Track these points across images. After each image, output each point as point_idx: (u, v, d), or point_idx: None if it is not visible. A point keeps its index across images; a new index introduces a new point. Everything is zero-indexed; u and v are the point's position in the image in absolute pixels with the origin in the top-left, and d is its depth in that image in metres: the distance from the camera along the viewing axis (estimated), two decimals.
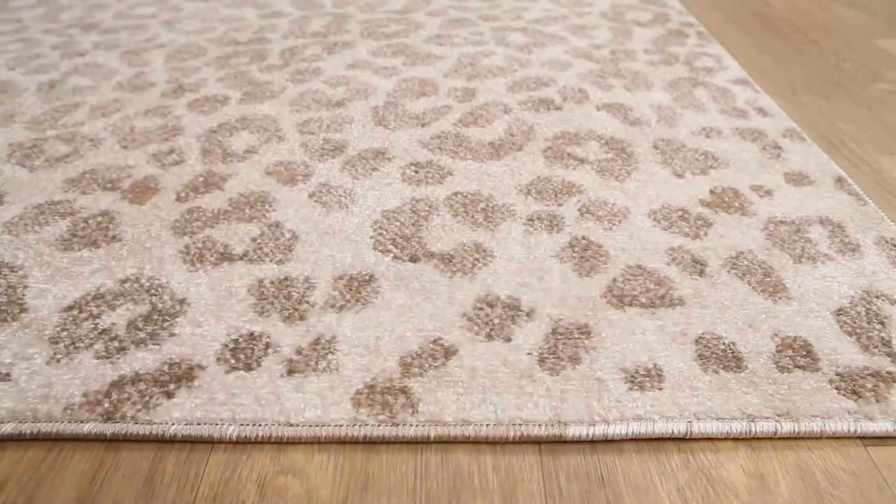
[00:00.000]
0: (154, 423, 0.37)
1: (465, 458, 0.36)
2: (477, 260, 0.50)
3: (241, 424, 0.37)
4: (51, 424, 0.37)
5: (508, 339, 0.43)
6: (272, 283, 0.48)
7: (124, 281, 0.48)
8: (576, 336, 0.43)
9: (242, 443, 0.37)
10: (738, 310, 0.45)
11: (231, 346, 0.42)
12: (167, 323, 0.44)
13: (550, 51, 0.88)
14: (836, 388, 0.39)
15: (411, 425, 0.37)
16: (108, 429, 0.37)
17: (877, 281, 0.48)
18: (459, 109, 0.72)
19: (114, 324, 0.44)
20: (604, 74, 0.81)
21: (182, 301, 0.46)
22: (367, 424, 0.37)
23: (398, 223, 0.54)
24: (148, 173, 0.61)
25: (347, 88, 0.77)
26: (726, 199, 0.57)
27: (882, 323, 0.44)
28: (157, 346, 0.42)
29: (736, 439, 0.37)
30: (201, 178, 0.60)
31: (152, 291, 0.47)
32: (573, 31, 0.95)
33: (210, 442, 0.37)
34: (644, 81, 0.79)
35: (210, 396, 0.39)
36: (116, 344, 0.42)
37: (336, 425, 0.37)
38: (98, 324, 0.44)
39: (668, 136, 0.67)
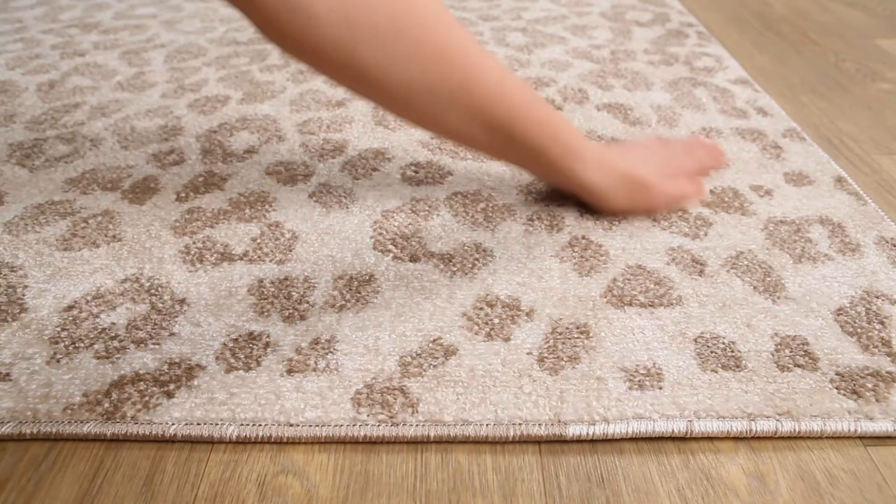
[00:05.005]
0: (154, 423, 0.37)
1: (465, 458, 0.36)
2: (477, 259, 0.50)
3: (241, 424, 0.37)
4: (51, 424, 0.37)
5: (508, 339, 0.43)
6: (272, 282, 0.48)
7: (124, 281, 0.48)
8: (575, 335, 0.43)
9: (242, 443, 0.37)
10: (737, 309, 0.45)
11: (231, 345, 0.42)
12: (167, 322, 0.44)
13: (550, 51, 0.88)
14: (836, 388, 0.39)
15: (411, 425, 0.37)
16: (108, 429, 0.37)
17: (877, 281, 0.48)
18: None
19: (114, 323, 0.44)
20: (604, 74, 0.81)
21: (182, 301, 0.46)
22: (366, 424, 0.37)
23: (398, 223, 0.54)
24: (148, 173, 0.61)
25: None
26: (726, 199, 0.57)
27: (882, 323, 0.44)
28: (157, 346, 0.42)
29: (736, 439, 0.37)
30: (201, 178, 0.60)
31: (152, 291, 0.47)
32: (573, 31, 0.95)
33: (210, 442, 0.37)
34: (644, 81, 0.79)
35: (210, 396, 0.39)
36: (116, 344, 0.42)
37: (336, 425, 0.37)
38: (98, 324, 0.44)
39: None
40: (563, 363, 0.41)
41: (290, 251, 0.51)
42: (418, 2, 0.40)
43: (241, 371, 0.40)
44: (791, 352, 0.42)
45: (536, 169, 0.52)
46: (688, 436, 0.37)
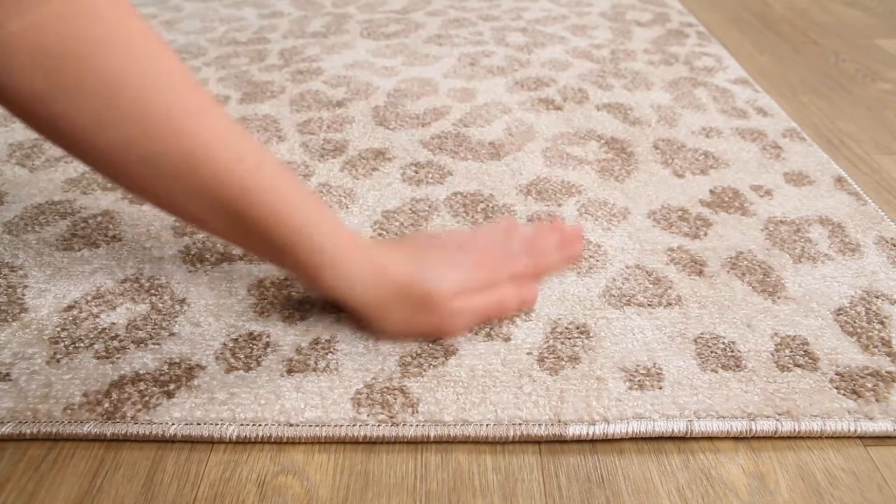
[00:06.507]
0: (154, 423, 0.37)
1: (465, 458, 0.36)
2: None
3: (241, 424, 0.37)
4: (51, 424, 0.37)
5: (508, 339, 0.43)
6: (272, 282, 0.48)
7: (124, 281, 0.48)
8: (575, 335, 0.43)
9: (242, 443, 0.37)
10: (736, 309, 0.45)
11: (231, 345, 0.42)
12: (167, 322, 0.44)
13: (550, 51, 0.88)
14: (836, 388, 0.39)
15: (411, 425, 0.37)
16: (109, 429, 0.37)
17: (877, 281, 0.48)
18: (459, 109, 0.72)
19: (114, 323, 0.44)
20: (604, 74, 0.81)
21: (182, 301, 0.46)
22: (366, 424, 0.37)
23: (398, 223, 0.54)
24: None
25: (347, 88, 0.77)
26: (726, 199, 0.57)
27: (882, 323, 0.44)
28: (157, 346, 0.42)
29: (736, 439, 0.37)
30: None
31: (152, 291, 0.47)
32: (573, 31, 0.95)
33: (210, 442, 0.37)
34: (644, 81, 0.79)
35: (210, 396, 0.39)
36: (116, 344, 0.42)
37: (336, 425, 0.37)
38: (98, 324, 0.44)
39: (668, 136, 0.67)
40: (563, 363, 0.41)
41: None
42: (146, 54, 0.33)
43: (241, 371, 0.41)
44: (791, 352, 0.42)
45: (289, 271, 0.44)
46: (688, 436, 0.37)
